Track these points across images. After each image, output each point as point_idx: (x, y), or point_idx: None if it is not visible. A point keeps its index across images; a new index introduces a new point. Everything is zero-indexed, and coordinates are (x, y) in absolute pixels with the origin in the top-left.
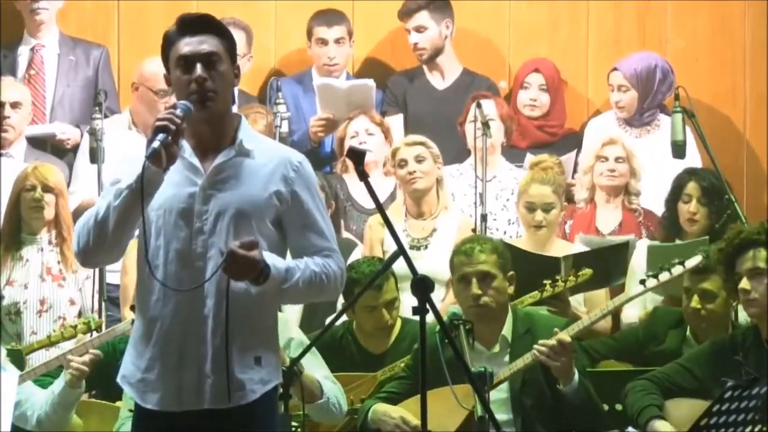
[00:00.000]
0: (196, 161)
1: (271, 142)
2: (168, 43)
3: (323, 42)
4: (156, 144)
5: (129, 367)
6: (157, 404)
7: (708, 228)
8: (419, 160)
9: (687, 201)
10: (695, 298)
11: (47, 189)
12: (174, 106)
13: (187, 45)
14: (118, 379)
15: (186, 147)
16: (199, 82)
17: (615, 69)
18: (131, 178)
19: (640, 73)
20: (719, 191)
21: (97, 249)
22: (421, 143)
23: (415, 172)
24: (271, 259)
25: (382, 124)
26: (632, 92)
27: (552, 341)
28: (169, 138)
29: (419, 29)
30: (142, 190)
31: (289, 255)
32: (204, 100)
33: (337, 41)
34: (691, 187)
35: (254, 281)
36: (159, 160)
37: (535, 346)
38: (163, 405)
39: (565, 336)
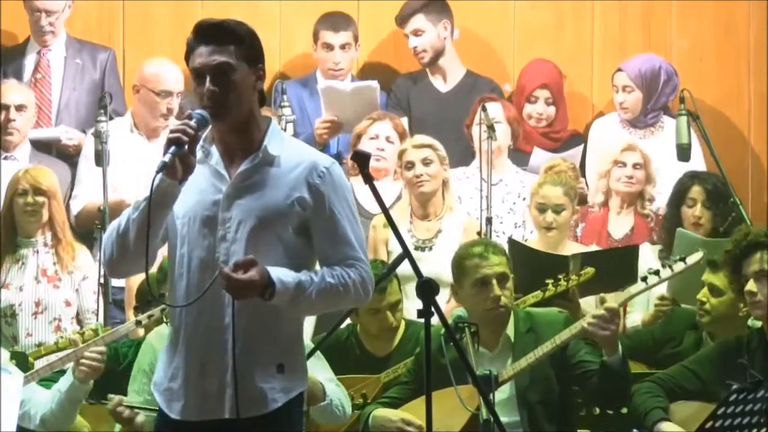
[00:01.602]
0: (221, 168)
1: (300, 147)
2: (188, 50)
3: (329, 47)
4: (167, 158)
5: (159, 374)
6: (179, 413)
7: (712, 231)
8: (426, 163)
9: (691, 205)
10: (704, 290)
11: (39, 192)
12: (189, 117)
13: (199, 56)
14: (151, 386)
15: (214, 153)
16: (209, 96)
17: (620, 70)
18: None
19: (644, 73)
20: (723, 194)
21: (121, 260)
22: (429, 146)
23: (422, 175)
24: (277, 274)
25: (404, 134)
26: (637, 93)
27: (601, 311)
28: (185, 148)
29: (416, 33)
30: (149, 205)
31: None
32: (215, 114)
33: (343, 47)
34: (696, 191)
35: (260, 297)
36: (173, 172)
37: (586, 318)
38: (185, 414)
39: (613, 303)
